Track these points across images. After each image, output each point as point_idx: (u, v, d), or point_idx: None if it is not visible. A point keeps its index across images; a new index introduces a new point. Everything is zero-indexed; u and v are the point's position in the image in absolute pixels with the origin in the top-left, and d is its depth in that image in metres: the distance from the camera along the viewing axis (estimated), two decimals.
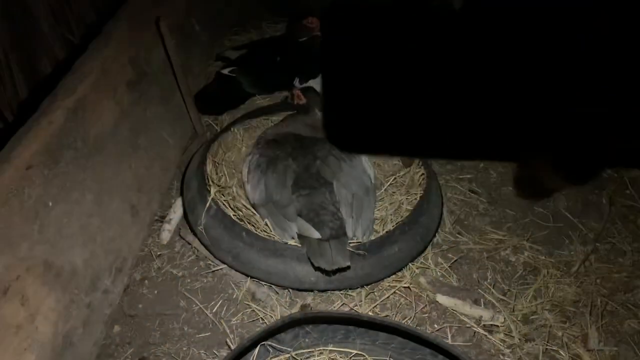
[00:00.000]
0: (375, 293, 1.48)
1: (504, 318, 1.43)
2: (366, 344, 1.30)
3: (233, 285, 1.48)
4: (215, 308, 1.43)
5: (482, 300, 1.49)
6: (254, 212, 1.56)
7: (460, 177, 1.91)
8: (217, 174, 1.68)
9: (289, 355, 1.26)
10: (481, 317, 1.43)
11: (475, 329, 1.41)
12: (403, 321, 1.41)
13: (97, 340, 1.31)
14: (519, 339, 1.39)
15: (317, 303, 1.45)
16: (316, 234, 1.39)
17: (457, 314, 1.45)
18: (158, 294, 1.46)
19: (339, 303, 1.44)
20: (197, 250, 1.55)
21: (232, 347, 1.31)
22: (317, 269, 1.36)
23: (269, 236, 1.47)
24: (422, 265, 1.55)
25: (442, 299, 1.46)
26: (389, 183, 1.70)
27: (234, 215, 1.53)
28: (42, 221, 1.14)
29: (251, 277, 1.47)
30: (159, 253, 1.56)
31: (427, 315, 1.45)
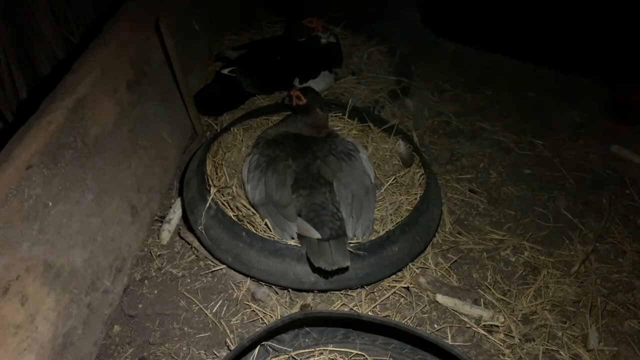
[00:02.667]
0: (375, 293, 1.48)
1: (504, 318, 1.43)
2: (366, 344, 1.30)
3: (233, 285, 1.48)
4: (215, 308, 1.43)
5: (482, 300, 1.49)
6: (254, 212, 1.56)
7: (460, 177, 1.91)
8: (217, 174, 1.68)
9: (289, 355, 1.26)
10: (481, 317, 1.43)
11: (475, 329, 1.41)
12: (403, 321, 1.41)
13: (97, 340, 1.31)
14: (519, 339, 1.39)
15: (317, 303, 1.45)
16: (316, 234, 1.38)
17: (457, 314, 1.45)
18: (158, 294, 1.46)
19: (339, 303, 1.44)
20: (197, 250, 1.55)
21: (232, 347, 1.31)
22: (317, 269, 1.36)
23: (269, 236, 1.47)
24: (422, 265, 1.55)
25: (442, 299, 1.46)
26: (389, 183, 1.70)
27: (234, 215, 1.53)
28: (42, 221, 1.14)
29: (251, 277, 1.47)
30: (159, 253, 1.56)
31: (427, 315, 1.45)
